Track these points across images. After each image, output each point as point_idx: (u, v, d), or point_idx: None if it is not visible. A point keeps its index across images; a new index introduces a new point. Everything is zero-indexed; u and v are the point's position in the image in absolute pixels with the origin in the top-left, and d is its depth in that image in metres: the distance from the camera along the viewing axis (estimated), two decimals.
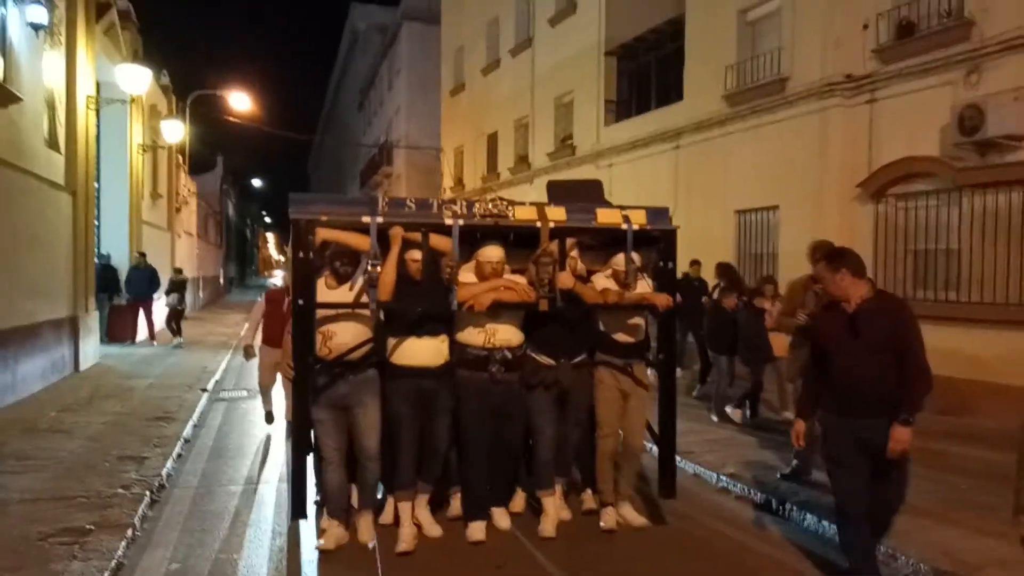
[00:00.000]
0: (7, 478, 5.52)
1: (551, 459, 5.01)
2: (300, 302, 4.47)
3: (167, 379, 10.45)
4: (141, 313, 14.80)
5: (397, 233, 4.55)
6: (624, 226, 4.92)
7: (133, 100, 15.37)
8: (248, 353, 7.77)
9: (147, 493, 5.30)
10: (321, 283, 4.60)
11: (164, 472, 5.92)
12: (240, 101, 23.47)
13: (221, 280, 39.07)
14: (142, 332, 14.93)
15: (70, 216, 11.16)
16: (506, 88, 21.68)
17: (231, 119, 25.15)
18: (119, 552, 4.26)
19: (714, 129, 12.77)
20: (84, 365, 11.15)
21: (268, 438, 7.60)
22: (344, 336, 4.55)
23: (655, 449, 5.36)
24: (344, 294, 4.60)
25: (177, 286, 15.96)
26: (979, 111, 8.14)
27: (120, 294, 14.67)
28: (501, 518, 4.95)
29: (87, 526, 4.57)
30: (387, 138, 36.04)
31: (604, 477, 5.12)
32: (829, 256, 4.05)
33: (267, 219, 75.70)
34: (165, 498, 5.56)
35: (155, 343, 14.62)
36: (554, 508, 4.97)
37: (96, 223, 13.76)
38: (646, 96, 15.46)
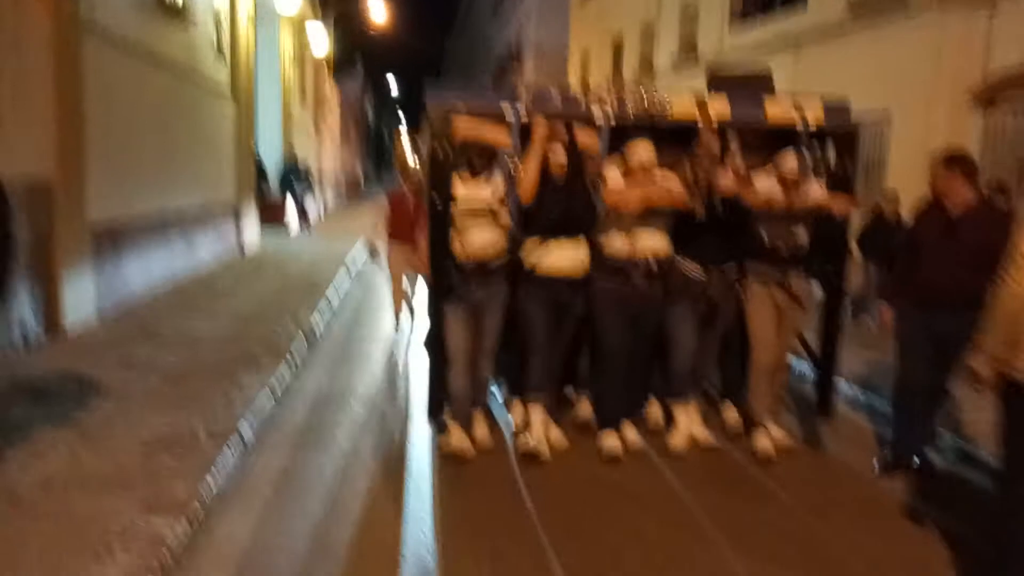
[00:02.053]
0: (200, 324, 7.12)
1: (687, 372, 4.71)
2: (436, 200, 4.29)
3: (318, 260, 12.13)
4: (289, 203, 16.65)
5: (541, 129, 4.25)
6: (799, 124, 4.50)
7: (286, 20, 16.77)
8: (375, 255, 7.72)
9: (302, 339, 6.75)
10: (457, 180, 4.35)
11: (315, 324, 7.39)
12: (378, 11, 24.71)
13: (361, 178, 41.48)
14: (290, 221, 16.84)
15: (235, 120, 12.82)
16: None
17: (370, 28, 26.50)
18: (284, 373, 5.68)
19: (834, 36, 12.71)
20: (247, 246, 13.03)
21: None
22: (482, 240, 4.34)
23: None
24: (480, 188, 4.35)
25: (300, 176, 17.36)
26: None
27: (270, 189, 16.45)
28: (628, 430, 4.61)
29: (259, 355, 6.03)
30: (518, 40, 36.42)
31: (758, 394, 4.68)
32: (948, 156, 4.10)
33: (403, 120, 78.15)
34: (315, 342, 7.02)
35: (310, 229, 16.49)
36: (687, 422, 4.69)
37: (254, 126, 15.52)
38: (771, 0, 15.32)
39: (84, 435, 4.14)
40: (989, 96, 9.74)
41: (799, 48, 13.74)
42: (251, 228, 13.53)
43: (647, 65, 20.69)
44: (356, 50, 35.92)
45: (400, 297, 7.50)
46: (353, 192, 35.27)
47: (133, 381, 5.19)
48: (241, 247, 12.77)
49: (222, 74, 12.09)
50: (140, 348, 6.11)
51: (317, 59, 22.38)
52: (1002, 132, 9.71)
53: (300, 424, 4.88)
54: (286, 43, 17.76)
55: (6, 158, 5.74)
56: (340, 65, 30.02)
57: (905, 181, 9.89)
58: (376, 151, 55.25)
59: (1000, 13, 9.67)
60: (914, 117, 10.82)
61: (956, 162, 4.03)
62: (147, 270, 8.47)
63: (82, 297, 6.79)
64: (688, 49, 18.28)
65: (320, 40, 19.80)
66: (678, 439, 4.62)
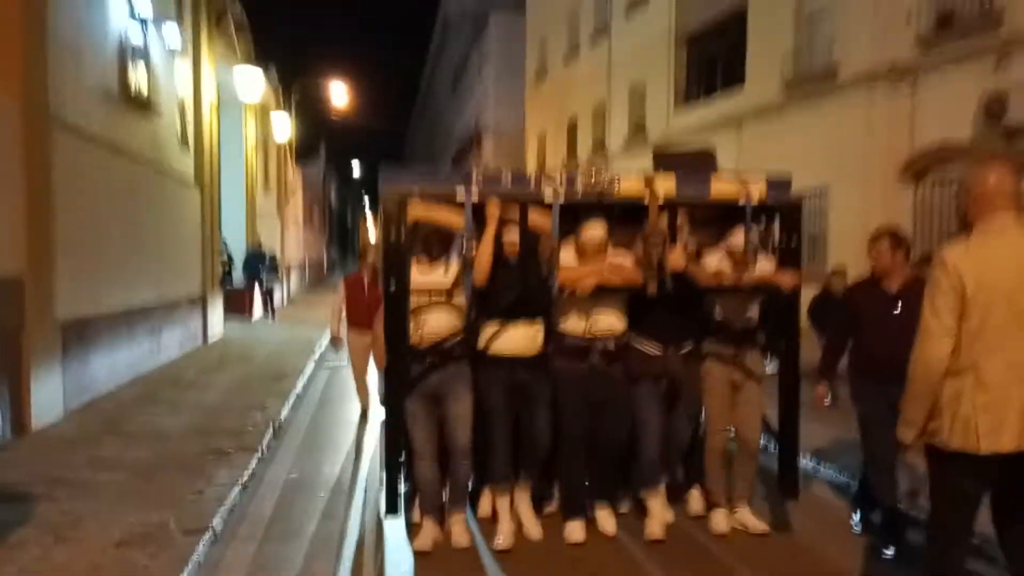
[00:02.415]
0: (165, 418, 7.17)
1: (657, 456, 4.62)
2: (392, 286, 4.25)
3: (283, 348, 12.21)
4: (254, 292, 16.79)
5: (494, 210, 4.26)
6: (742, 199, 4.51)
7: (249, 107, 17.26)
8: (336, 344, 7.69)
9: (270, 429, 6.83)
10: (413, 265, 4.34)
11: (283, 415, 7.47)
12: (339, 93, 25.35)
13: (324, 263, 41.70)
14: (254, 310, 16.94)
15: (200, 209, 13.05)
16: (585, 75, 22.70)
17: (332, 113, 27.16)
18: (252, 465, 5.76)
19: (772, 114, 13.49)
20: (212, 336, 13.07)
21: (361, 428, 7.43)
22: (437, 323, 4.33)
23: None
24: (438, 277, 4.37)
25: (269, 267, 17.59)
26: (1003, 99, 8.74)
27: (232, 278, 16.59)
28: (606, 521, 4.58)
29: (228, 449, 6.10)
30: (477, 123, 37.53)
31: (713, 477, 4.70)
32: (890, 234, 4.31)
33: (367, 203, 79.11)
34: (283, 432, 7.10)
35: (274, 319, 16.57)
36: (660, 509, 4.61)
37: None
38: (712, 83, 16.23)
39: (57, 536, 4.19)
40: (916, 171, 10.41)
41: (740, 127, 14.53)
42: (216, 317, 13.60)
43: (600, 147, 21.55)
44: (319, 134, 36.70)
45: (364, 386, 7.53)
46: (317, 278, 35.43)
47: (103, 479, 5.24)
48: (206, 337, 12.82)
49: (186, 163, 12.36)
50: (108, 445, 6.15)
51: (280, 144, 22.87)
52: (931, 205, 10.34)
53: (269, 514, 4.95)
54: (249, 130, 18.20)
55: None
56: (303, 150, 30.58)
57: (844, 254, 10.40)
58: (340, 235, 55.69)
59: (920, 90, 10.43)
60: (851, 191, 11.46)
61: (896, 240, 4.26)
62: (113, 365, 8.51)
63: (50, 395, 6.83)
64: (638, 130, 19.14)
65: (282, 126, 20.31)
66: (654, 527, 4.49)
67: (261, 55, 19.81)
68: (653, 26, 18.18)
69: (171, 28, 10.87)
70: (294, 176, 27.45)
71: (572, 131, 24.05)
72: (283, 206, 24.03)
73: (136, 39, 9.50)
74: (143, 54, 9.82)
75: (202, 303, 12.79)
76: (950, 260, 2.84)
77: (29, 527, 4.29)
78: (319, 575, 4.08)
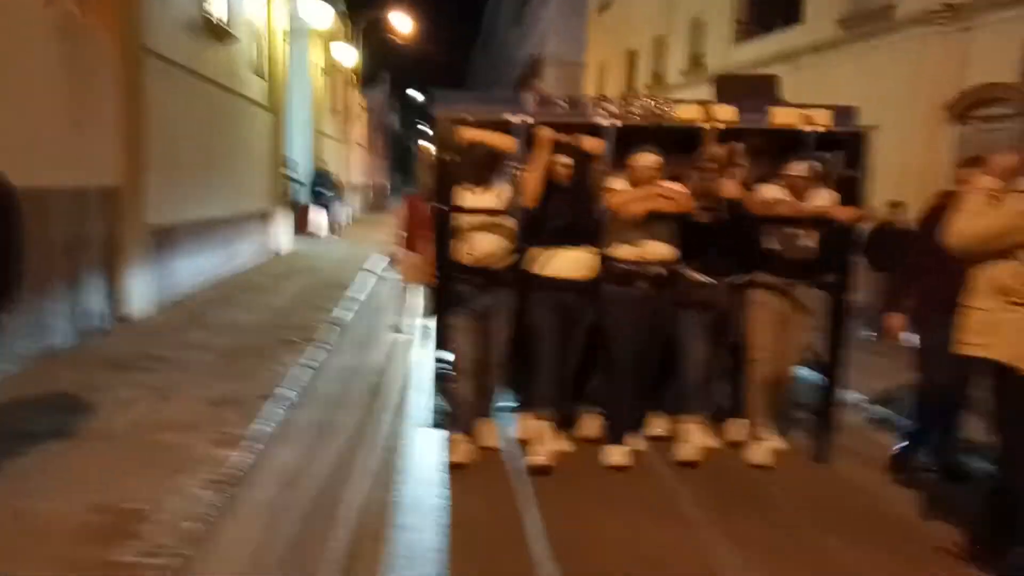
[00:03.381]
0: (241, 315, 8.14)
1: (700, 383, 4.67)
2: (442, 206, 4.31)
3: (345, 262, 13.17)
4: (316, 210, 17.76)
5: (545, 134, 4.26)
6: (805, 128, 4.43)
7: (316, 34, 17.92)
8: (395, 260, 7.76)
9: (332, 327, 7.73)
10: (464, 187, 4.39)
11: (342, 315, 8.38)
12: (403, 22, 25.75)
13: (388, 187, 42.72)
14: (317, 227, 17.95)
15: (270, 131, 13.92)
16: (646, 7, 22.58)
17: (396, 41, 27.61)
18: (317, 354, 6.66)
19: (828, 52, 13.54)
20: (279, 249, 14.10)
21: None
22: (486, 244, 4.37)
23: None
24: (488, 200, 4.41)
25: (327, 185, 18.50)
26: None
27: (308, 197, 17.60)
28: (635, 441, 4.62)
29: (296, 340, 7.01)
30: (539, 52, 37.46)
31: (755, 407, 4.68)
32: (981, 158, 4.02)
33: (428, 131, 79.68)
34: (344, 331, 8.00)
35: (337, 235, 17.57)
36: (698, 435, 4.63)
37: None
38: (771, 19, 16.17)
39: (161, 395, 5.15)
40: (961, 110, 10.53)
41: (797, 61, 14.56)
42: (283, 232, 14.61)
43: (659, 79, 21.60)
44: (383, 62, 37.25)
45: (405, 305, 7.77)
46: (379, 201, 36.46)
47: (193, 358, 6.21)
48: (274, 250, 13.85)
49: (259, 88, 13.17)
50: (195, 333, 7.14)
51: (345, 71, 23.55)
52: (974, 144, 10.47)
53: (333, 391, 5.85)
54: (316, 56, 18.91)
55: (87, 168, 6.81)
56: (367, 77, 31.20)
57: (886, 192, 10.67)
58: (402, 161, 56.53)
59: (975, 28, 10.47)
60: (895, 130, 11.59)
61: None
62: (193, 269, 9.52)
63: (144, 291, 7.84)
64: (696, 63, 19.17)
65: (348, 53, 20.96)
66: (688, 450, 4.52)
67: None
68: None
69: None
70: (359, 102, 28.18)
71: (632, 62, 24.08)
72: (348, 132, 24.86)
73: None
74: None
75: (271, 218, 13.78)
76: None
77: (138, 389, 5.26)
78: (368, 436, 4.93)
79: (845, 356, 4.64)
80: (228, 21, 10.89)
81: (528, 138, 4.31)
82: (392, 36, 27.01)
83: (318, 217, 17.63)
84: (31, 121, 5.97)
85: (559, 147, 4.33)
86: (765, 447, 4.61)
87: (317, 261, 13.30)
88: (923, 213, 4.48)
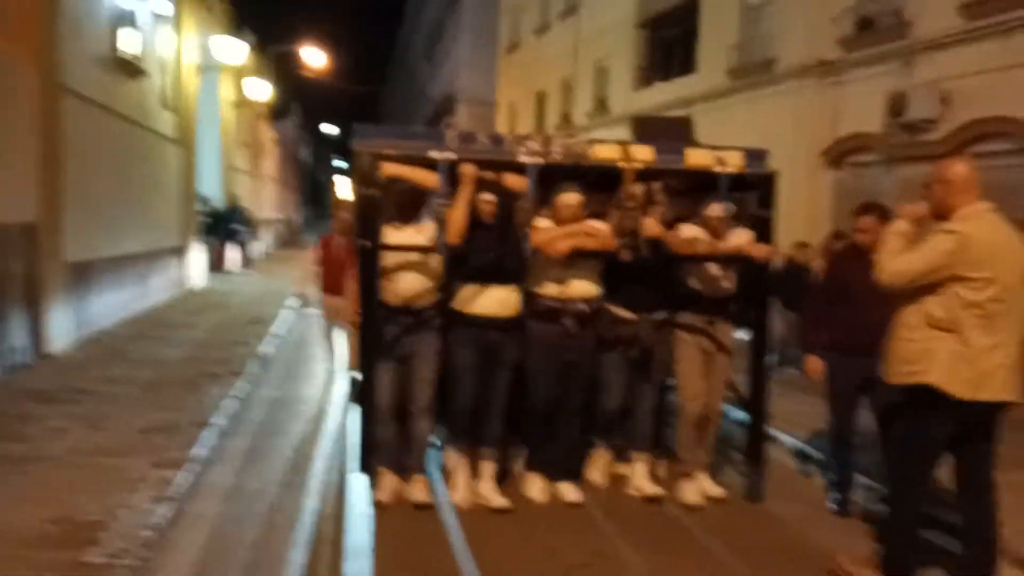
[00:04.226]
0: (160, 349, 8.24)
1: (618, 418, 4.75)
2: (365, 243, 4.26)
3: (259, 298, 13.25)
4: (229, 246, 17.71)
5: (469, 171, 4.27)
6: (718, 168, 4.56)
7: (225, 68, 18.01)
8: (302, 299, 7.85)
9: (254, 360, 7.94)
10: (386, 224, 4.36)
11: (262, 350, 8.58)
12: (315, 57, 25.98)
13: (300, 221, 42.37)
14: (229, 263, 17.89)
15: (182, 165, 13.94)
16: (554, 51, 23.66)
17: (307, 73, 27.78)
18: (241, 385, 6.87)
19: (720, 100, 14.68)
20: (192, 284, 14.05)
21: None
22: (410, 280, 4.36)
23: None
24: (411, 236, 4.39)
25: (243, 221, 18.59)
26: (904, 98, 10.00)
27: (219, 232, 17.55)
28: (568, 491, 4.54)
29: (219, 373, 7.20)
30: (451, 89, 38.25)
31: (687, 444, 4.70)
32: (881, 208, 4.45)
33: (339, 163, 79.42)
34: (265, 363, 8.21)
35: (250, 270, 17.53)
36: (604, 466, 4.80)
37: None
38: (669, 66, 17.37)
39: (92, 424, 5.31)
40: (834, 157, 11.70)
41: (693, 108, 15.65)
42: (195, 267, 14.55)
43: (566, 120, 22.60)
44: (294, 94, 37.19)
45: (327, 347, 7.53)
46: (292, 236, 36.17)
47: (118, 391, 6.33)
48: (188, 285, 13.79)
49: (168, 122, 13.21)
50: (116, 367, 7.23)
51: (256, 104, 23.56)
52: (847, 187, 11.63)
53: (261, 419, 6.11)
54: (227, 90, 18.94)
55: (6, 204, 6.87)
56: (278, 110, 31.16)
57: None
58: (314, 195, 56.19)
59: (845, 83, 11.68)
60: (780, 173, 12.70)
61: (882, 213, 4.34)
62: (109, 305, 9.50)
63: (63, 326, 7.85)
64: (601, 106, 20.24)
65: (258, 88, 21.05)
66: (596, 476, 4.74)
67: (238, 18, 20.54)
68: (617, 8, 19.20)
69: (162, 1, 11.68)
70: (270, 136, 28.13)
71: (541, 103, 25.07)
72: (259, 165, 24.78)
73: (127, 7, 10.32)
74: (133, 21, 10.65)
75: (182, 253, 13.74)
76: (963, 230, 3.24)
77: (68, 419, 5.40)
78: (303, 461, 5.22)
79: (767, 392, 4.76)
80: (140, 56, 11.01)
81: (451, 175, 4.32)
82: (304, 70, 27.21)
83: (232, 253, 17.58)
84: None
85: (482, 184, 4.36)
86: (696, 487, 4.62)
87: (232, 297, 13.34)
88: (825, 257, 4.87)
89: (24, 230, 7.20)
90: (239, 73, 20.20)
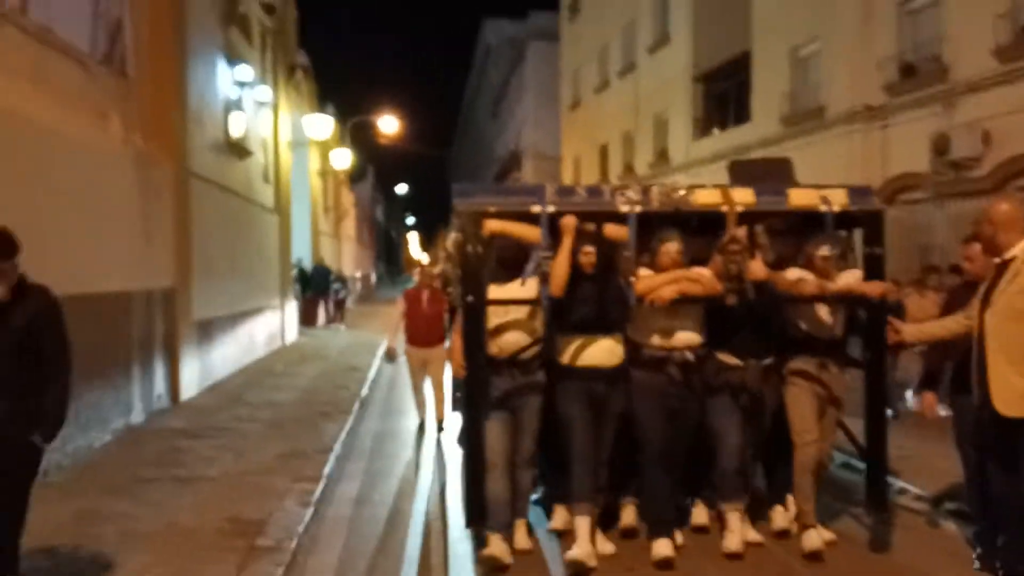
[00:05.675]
0: (274, 394, 9.39)
1: (736, 468, 4.48)
2: (470, 298, 4.26)
3: (349, 349, 14.47)
4: (322, 303, 19.18)
5: (570, 222, 4.26)
6: (823, 208, 4.44)
7: (313, 141, 19.74)
8: (391, 355, 7.89)
9: (357, 401, 8.99)
10: (490, 282, 4.37)
11: (363, 392, 9.65)
12: (388, 124, 27.79)
13: (373, 277, 44.31)
14: (321, 318, 19.32)
15: (278, 232, 15.42)
16: (614, 106, 24.82)
17: (382, 140, 29.64)
18: (350, 421, 7.89)
19: (773, 147, 15.40)
20: (288, 339, 15.39)
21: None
22: (514, 335, 4.35)
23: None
24: (515, 290, 4.40)
25: (340, 280, 20.32)
26: (947, 138, 10.60)
27: (308, 291, 19.08)
28: (676, 534, 4.45)
29: (328, 411, 8.26)
30: (517, 146, 39.84)
31: (804, 494, 4.46)
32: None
33: (410, 221, 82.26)
34: (366, 404, 9.25)
35: (342, 326, 18.88)
36: (738, 523, 4.44)
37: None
38: (725, 117, 18.21)
39: (236, 453, 6.39)
40: (887, 196, 12.25)
41: (748, 155, 16.42)
42: (291, 323, 15.93)
43: (629, 170, 23.57)
44: (368, 157, 39.44)
45: (421, 399, 7.76)
46: (367, 291, 37.92)
47: (248, 428, 7.45)
48: (283, 339, 15.14)
49: (268, 194, 14.72)
50: (241, 409, 8.38)
51: (337, 172, 25.35)
52: (899, 223, 12.16)
53: (369, 445, 7.14)
54: (313, 162, 20.65)
55: (154, 274, 8.18)
56: (354, 173, 33.17)
57: None
58: (387, 251, 58.47)
59: (891, 126, 12.32)
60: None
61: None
62: (224, 358, 10.78)
63: (192, 376, 9.10)
64: (661, 156, 21.16)
65: (342, 158, 22.81)
66: (732, 541, 4.37)
67: (321, 94, 22.43)
68: (674, 64, 20.24)
69: (261, 87, 13.26)
70: (348, 199, 29.97)
71: (604, 155, 26.16)
72: (339, 226, 26.50)
73: (235, 97, 11.83)
74: (240, 107, 12.17)
75: (281, 310, 15.12)
76: None
77: (213, 451, 6.49)
78: (412, 478, 6.16)
79: (885, 436, 4.60)
80: (244, 138, 12.49)
81: (552, 228, 4.34)
82: (379, 136, 29.06)
83: (320, 310, 19.05)
84: (119, 236, 7.37)
85: (582, 235, 4.35)
86: (817, 535, 4.38)
87: (325, 348, 14.60)
88: (950, 289, 4.90)
89: (165, 295, 8.50)
90: (324, 145, 21.94)
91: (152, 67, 8.43)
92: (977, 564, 4.15)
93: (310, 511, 5.00)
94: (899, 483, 5.46)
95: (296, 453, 6.40)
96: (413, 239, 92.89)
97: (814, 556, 4.27)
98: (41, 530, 4.17)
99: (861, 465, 4.98)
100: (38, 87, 6.08)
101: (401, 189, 53.27)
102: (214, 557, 4.20)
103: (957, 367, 4.16)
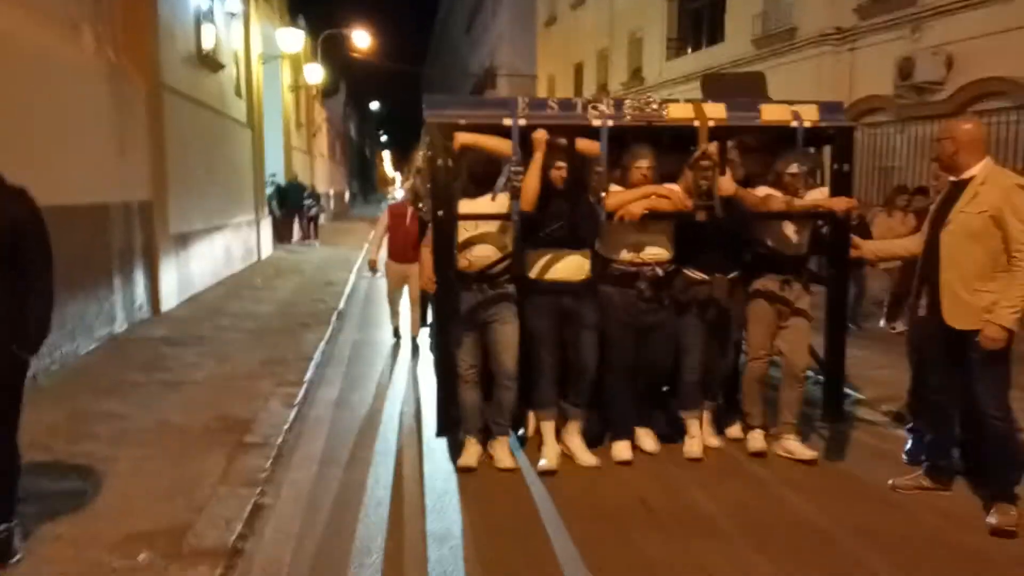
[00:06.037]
0: (253, 306, 9.65)
1: (697, 380, 4.68)
2: (439, 212, 4.26)
3: (325, 264, 14.69)
4: (296, 219, 19.25)
5: (541, 137, 4.21)
6: (794, 123, 4.43)
7: (285, 55, 19.40)
8: (373, 267, 7.99)
9: (334, 313, 9.30)
10: (461, 197, 4.37)
11: (340, 306, 9.95)
12: (361, 38, 27.21)
13: (346, 195, 44.04)
14: (295, 235, 19.42)
15: (251, 147, 15.36)
16: (590, 23, 24.52)
17: (355, 54, 29.07)
18: (328, 332, 8.21)
19: (745, 67, 15.46)
20: (264, 255, 15.55)
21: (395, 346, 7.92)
22: (484, 249, 4.38)
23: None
24: (485, 205, 4.38)
25: (314, 197, 20.32)
26: (911, 61, 10.82)
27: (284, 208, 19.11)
28: (646, 439, 4.67)
29: (308, 322, 8.57)
30: (491, 64, 39.21)
31: (751, 400, 4.74)
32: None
33: (383, 139, 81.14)
34: (343, 316, 9.57)
35: (316, 242, 19.00)
36: (698, 430, 4.68)
37: None
38: (698, 36, 18.18)
39: (219, 359, 6.72)
40: (852, 118, 12.51)
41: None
42: (266, 239, 16.05)
43: (603, 89, 23.48)
44: (340, 73, 38.59)
45: (396, 311, 7.95)
46: (341, 208, 37.76)
47: (230, 337, 7.75)
48: (259, 254, 15.29)
49: (241, 108, 14.61)
50: (221, 319, 8.66)
51: (309, 86, 24.95)
52: (862, 145, 12.47)
53: (350, 354, 7.50)
54: (285, 76, 20.34)
55: (131, 186, 8.28)
56: (326, 89, 32.60)
57: None
58: (360, 169, 57.83)
59: (859, 48, 12.50)
60: None
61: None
62: (202, 271, 10.97)
63: (171, 288, 9.32)
64: (635, 75, 21.13)
65: (314, 72, 22.44)
66: (693, 446, 4.59)
67: (292, 6, 21.91)
68: None
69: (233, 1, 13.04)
70: (320, 115, 29.57)
71: (579, 74, 25.97)
72: (312, 142, 26.25)
73: (206, 9, 11.64)
74: (212, 19, 11.99)
75: (255, 226, 15.23)
76: None
77: (197, 357, 6.80)
78: (388, 383, 6.53)
79: (843, 347, 4.73)
80: (216, 51, 12.35)
81: (523, 141, 4.27)
82: (352, 52, 28.49)
83: (295, 225, 19.12)
84: (95, 149, 7.46)
85: (554, 150, 4.30)
86: (760, 436, 4.69)
87: (301, 264, 14.81)
88: (888, 211, 5.32)
89: (142, 207, 8.62)
90: (296, 59, 21.55)
91: None
92: (905, 459, 4.52)
93: (293, 411, 5.35)
94: (855, 394, 5.80)
95: (278, 360, 6.73)
96: (387, 157, 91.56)
97: (758, 455, 4.60)
98: (36, 430, 4.43)
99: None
100: (11, 1, 6.07)
101: (375, 106, 52.41)
102: (205, 451, 4.52)
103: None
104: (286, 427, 5.02)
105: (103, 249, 7.50)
